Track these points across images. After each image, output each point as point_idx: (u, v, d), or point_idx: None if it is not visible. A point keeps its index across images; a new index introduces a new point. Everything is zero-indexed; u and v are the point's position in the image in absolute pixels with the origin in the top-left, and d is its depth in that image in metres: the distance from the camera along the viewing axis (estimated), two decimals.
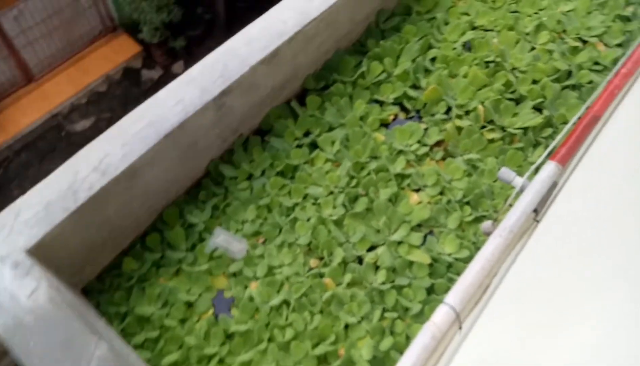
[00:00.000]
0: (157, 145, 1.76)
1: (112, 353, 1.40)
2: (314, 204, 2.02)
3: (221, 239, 1.94)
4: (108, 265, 1.93)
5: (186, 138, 1.87)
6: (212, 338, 1.77)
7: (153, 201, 1.98)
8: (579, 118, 1.59)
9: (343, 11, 2.16)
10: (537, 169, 1.55)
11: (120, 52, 7.23)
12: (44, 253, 1.59)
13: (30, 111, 6.62)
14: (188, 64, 7.32)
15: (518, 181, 1.52)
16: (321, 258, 1.92)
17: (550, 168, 1.47)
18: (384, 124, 2.18)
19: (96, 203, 1.70)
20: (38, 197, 1.65)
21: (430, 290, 1.82)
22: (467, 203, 1.97)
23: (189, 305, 1.85)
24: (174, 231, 1.98)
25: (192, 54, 7.30)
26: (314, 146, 2.15)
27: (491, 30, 2.41)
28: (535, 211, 1.47)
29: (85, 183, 1.71)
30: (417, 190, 2.04)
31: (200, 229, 2.00)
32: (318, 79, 2.26)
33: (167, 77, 7.30)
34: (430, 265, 1.85)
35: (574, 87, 2.21)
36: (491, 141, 2.07)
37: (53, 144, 6.59)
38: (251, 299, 1.82)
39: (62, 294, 1.52)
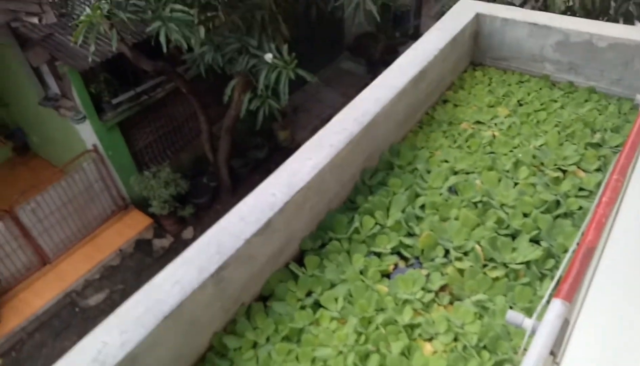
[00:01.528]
0: (156, 329, 1.74)
1: None
2: None
3: None
4: None
5: (186, 317, 1.85)
6: None
7: None
8: (576, 247, 1.59)
9: (329, 177, 2.31)
10: (547, 305, 1.50)
11: (132, 226, 7.55)
12: None
13: (45, 292, 6.71)
14: (197, 229, 7.59)
15: (528, 322, 1.46)
16: None
17: (557, 307, 1.42)
18: (385, 275, 2.18)
19: None
20: None
21: None
22: (484, 347, 1.86)
23: None
24: None
25: (200, 220, 7.61)
26: (317, 305, 2.11)
27: (472, 172, 2.54)
28: (553, 353, 1.38)
29: None
30: (430, 339, 1.94)
31: None
32: (314, 239, 2.32)
33: (178, 243, 7.51)
34: None
35: (565, 215, 2.25)
36: (496, 279, 2.04)
37: (67, 321, 6.56)
38: None
39: None
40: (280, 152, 8.28)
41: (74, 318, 6.62)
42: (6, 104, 7.98)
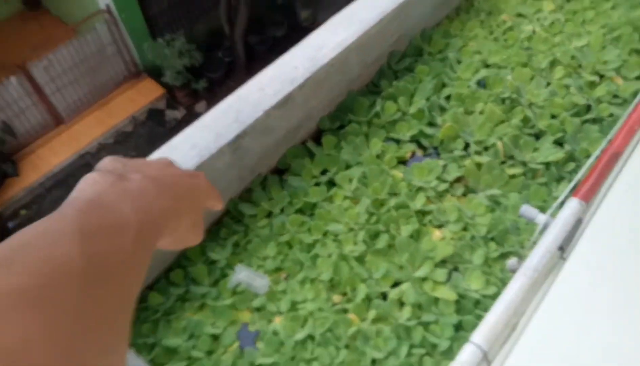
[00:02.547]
0: None
1: None
2: (334, 240, 2.00)
3: (243, 275, 1.94)
4: None
5: None
6: None
7: None
8: (600, 153, 1.57)
9: (353, 56, 2.21)
10: (562, 205, 1.51)
11: (144, 94, 7.49)
12: None
13: (61, 151, 6.88)
14: (210, 104, 7.53)
15: (541, 218, 1.49)
16: (344, 294, 1.89)
17: (573, 205, 1.44)
18: (402, 162, 2.18)
19: None
20: None
21: (458, 327, 1.76)
22: (492, 239, 1.93)
23: (215, 337, 1.85)
24: (197, 267, 1.99)
25: (213, 94, 7.51)
26: (331, 183, 2.15)
27: (504, 67, 2.42)
28: (561, 248, 1.43)
29: None
30: (439, 226, 2.01)
31: (223, 265, 2.01)
32: (333, 119, 2.29)
33: (190, 116, 7.51)
34: (457, 302, 1.80)
35: (594, 121, 2.18)
36: (513, 176, 2.05)
37: None
38: (276, 333, 1.81)
39: None
40: (299, 32, 7.88)
41: None
42: None
